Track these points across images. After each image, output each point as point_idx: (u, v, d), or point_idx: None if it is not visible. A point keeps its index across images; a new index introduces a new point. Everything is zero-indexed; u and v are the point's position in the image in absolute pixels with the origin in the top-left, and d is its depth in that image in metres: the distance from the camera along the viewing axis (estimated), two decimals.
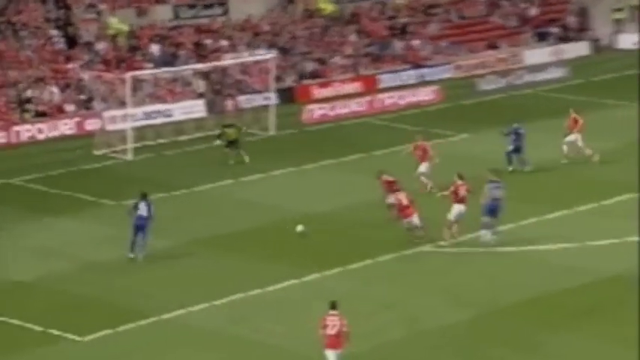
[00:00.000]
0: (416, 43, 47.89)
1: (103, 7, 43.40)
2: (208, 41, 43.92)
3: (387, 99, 41.79)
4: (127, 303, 22.82)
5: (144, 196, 25.43)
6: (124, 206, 26.64)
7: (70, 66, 40.21)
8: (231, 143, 33.47)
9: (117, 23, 42.88)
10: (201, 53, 43.08)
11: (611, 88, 43.44)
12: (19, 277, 24.44)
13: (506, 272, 24.67)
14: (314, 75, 44.30)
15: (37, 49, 40.41)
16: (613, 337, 20.83)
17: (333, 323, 18.70)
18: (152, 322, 21.94)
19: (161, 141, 36.21)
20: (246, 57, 42.07)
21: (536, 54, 49.24)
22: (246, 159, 33.24)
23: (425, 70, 46.04)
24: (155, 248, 25.97)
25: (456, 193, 25.95)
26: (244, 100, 40.86)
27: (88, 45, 41.69)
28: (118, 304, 22.79)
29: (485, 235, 26.07)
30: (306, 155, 34.44)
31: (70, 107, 38.75)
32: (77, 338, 21.15)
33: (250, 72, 42.19)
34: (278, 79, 40.80)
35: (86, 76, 39.53)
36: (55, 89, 38.94)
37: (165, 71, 39.94)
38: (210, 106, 40.40)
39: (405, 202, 25.92)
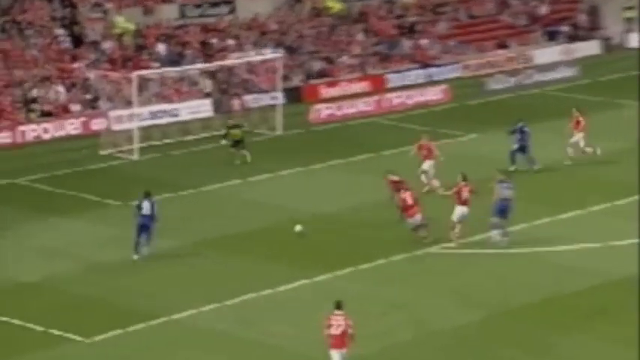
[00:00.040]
0: (424, 42, 47.83)
1: (109, 5, 43.43)
2: (215, 40, 43.92)
3: (395, 98, 41.73)
4: (133, 304, 22.81)
5: (147, 195, 25.42)
6: (130, 206, 26.64)
7: (75, 65, 40.24)
8: (237, 143, 33.44)
9: (123, 22, 42.91)
10: (207, 52, 43.08)
11: (621, 88, 43.30)
12: (24, 277, 24.45)
13: (516, 273, 24.61)
14: (321, 74, 44.26)
15: (42, 48, 40.45)
16: (625, 339, 20.74)
17: (338, 323, 18.70)
18: (158, 323, 21.92)
19: (167, 141, 36.21)
20: (253, 56, 42.04)
21: (546, 53, 49.11)
22: (249, 159, 33.16)
23: (433, 70, 45.97)
24: (161, 248, 25.97)
25: (459, 194, 25.90)
26: (251, 100, 40.84)
27: (94, 44, 41.72)
28: (123, 305, 22.78)
29: (495, 236, 26.01)
30: (313, 155, 34.41)
31: (75, 107, 38.77)
32: (82, 339, 21.14)
33: (257, 71, 42.17)
34: (285, 78, 40.77)
35: (92, 75, 39.55)
36: (60, 89, 38.96)
37: (171, 70, 39.94)
38: (217, 106, 40.40)
39: (409, 201, 25.92)
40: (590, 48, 50.63)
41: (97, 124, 37.53)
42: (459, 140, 36.70)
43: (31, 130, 36.94)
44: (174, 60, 41.83)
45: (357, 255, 25.43)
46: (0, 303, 22.96)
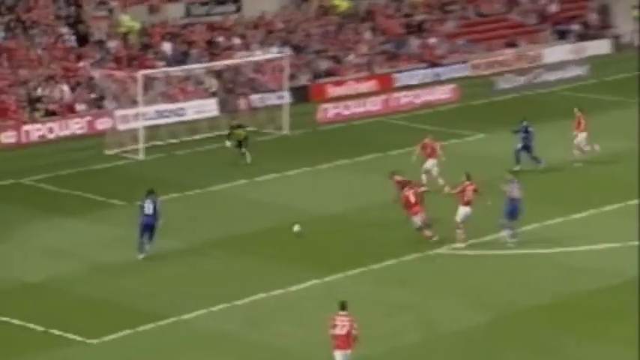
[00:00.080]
0: (432, 41, 47.81)
1: (114, 4, 43.50)
2: (221, 39, 43.95)
3: (403, 98, 41.72)
4: (138, 305, 22.85)
5: (149, 194, 25.49)
6: (135, 207, 26.71)
7: (80, 64, 40.30)
8: (240, 143, 33.38)
9: (128, 21, 42.97)
10: (213, 51, 43.12)
11: (632, 87, 43.23)
12: (29, 277, 24.51)
13: (526, 274, 24.60)
14: (328, 73, 44.27)
15: (47, 47, 40.52)
16: (635, 341, 20.70)
17: (343, 323, 18.73)
18: (163, 324, 21.95)
19: (173, 140, 36.26)
20: (260, 55, 42.07)
21: (556, 52, 49.05)
22: (248, 160, 33.10)
23: (441, 69, 45.95)
24: (167, 249, 26.02)
25: (462, 193, 25.92)
26: (257, 99, 40.86)
27: (99, 43, 41.79)
28: (128, 305, 22.82)
29: (505, 236, 26.01)
30: (320, 155, 34.43)
31: (80, 106, 38.83)
32: (87, 340, 21.18)
33: (263, 70, 42.19)
34: (292, 77, 40.78)
35: (97, 74, 39.61)
36: (65, 88, 39.03)
37: (177, 70, 39.97)
38: (223, 105, 40.43)
39: (412, 199, 25.93)
40: (600, 47, 50.56)
41: (102, 124, 37.59)
42: (468, 140, 36.68)
43: (36, 130, 37.00)
44: (180, 59, 41.88)
45: (363, 256, 25.43)
46: (4, 303, 23.02)
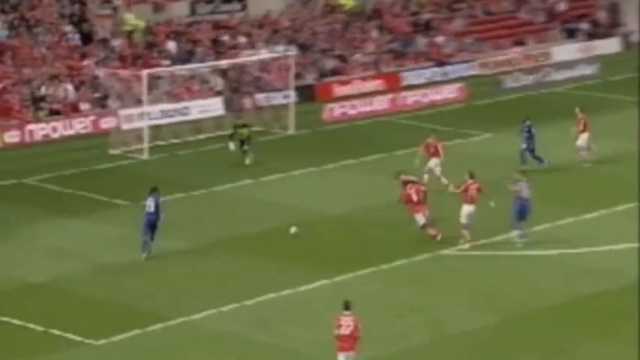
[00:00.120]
0: (440, 39, 47.78)
1: (118, 2, 43.54)
2: (226, 38, 43.98)
3: (410, 97, 41.71)
4: (143, 306, 22.87)
5: (152, 192, 25.56)
6: (140, 207, 26.74)
7: (85, 63, 40.35)
8: (243, 143, 33.34)
9: (133, 19, 43.01)
10: (218, 50, 43.15)
11: None
12: (32, 277, 24.53)
13: (534, 275, 24.57)
14: (335, 72, 44.27)
15: (51, 45, 40.58)
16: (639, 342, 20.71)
17: (347, 324, 18.72)
18: (168, 325, 21.97)
19: (178, 140, 36.30)
20: (265, 54, 42.09)
21: (565, 51, 48.99)
22: (247, 161, 33.00)
23: (449, 68, 45.93)
24: (171, 249, 26.05)
25: (466, 192, 25.94)
26: (263, 98, 40.88)
27: (104, 41, 41.84)
28: (133, 307, 22.84)
29: (515, 236, 26.02)
30: (326, 155, 34.43)
31: (85, 105, 38.88)
32: (91, 342, 21.19)
33: (269, 69, 42.21)
34: (297, 76, 40.79)
35: (101, 73, 39.67)
36: (69, 87, 39.08)
37: (182, 68, 40.02)
38: (228, 105, 40.46)
39: (414, 198, 25.97)
40: (609, 45, 50.47)
41: (107, 123, 37.64)
42: (476, 140, 36.66)
43: (40, 129, 37.04)
44: (185, 58, 41.91)
45: (370, 256, 25.43)
46: (7, 303, 23.03)
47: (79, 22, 42.13)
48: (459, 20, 49.78)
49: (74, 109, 38.52)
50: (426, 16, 49.04)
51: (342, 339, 18.74)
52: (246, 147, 33.25)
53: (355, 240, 26.78)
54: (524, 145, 32.16)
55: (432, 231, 26.05)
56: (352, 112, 40.09)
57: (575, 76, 45.68)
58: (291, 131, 37.55)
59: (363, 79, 43.79)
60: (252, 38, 44.23)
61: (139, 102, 36.60)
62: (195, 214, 28.99)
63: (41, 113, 37.82)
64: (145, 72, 35.97)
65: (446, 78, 44.95)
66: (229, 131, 34.27)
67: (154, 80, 38.07)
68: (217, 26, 44.70)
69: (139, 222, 25.71)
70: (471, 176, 26.19)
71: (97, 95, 39.33)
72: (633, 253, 25.27)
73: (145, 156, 34.74)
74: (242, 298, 23.07)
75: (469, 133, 37.30)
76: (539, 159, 32.13)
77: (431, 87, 42.98)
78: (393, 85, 43.62)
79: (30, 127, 36.93)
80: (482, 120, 38.83)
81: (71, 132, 37.38)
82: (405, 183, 27.10)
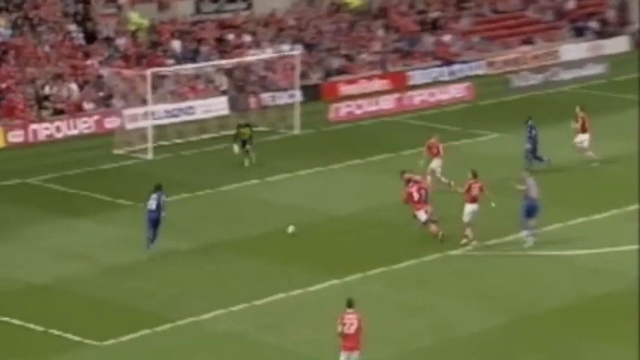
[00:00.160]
0: (447, 38, 47.79)
1: (122, 1, 43.62)
2: (231, 37, 44.04)
3: (417, 97, 41.73)
4: (146, 307, 22.92)
5: (156, 189, 25.70)
6: (144, 207, 26.81)
7: (89, 62, 40.45)
8: (245, 143, 33.32)
9: (137, 18, 43.10)
10: (223, 49, 43.22)
11: None
12: (35, 278, 24.59)
13: (541, 276, 24.57)
14: (340, 72, 44.31)
15: (55, 44, 40.68)
16: None
17: (351, 322, 18.71)
18: (173, 327, 22.01)
19: (182, 140, 36.37)
20: (271, 53, 42.15)
21: (574, 50, 48.97)
22: (246, 162, 32.96)
23: (456, 67, 45.95)
24: (175, 250, 26.10)
25: (469, 191, 26.01)
26: (268, 98, 40.94)
27: (108, 40, 41.93)
28: (137, 308, 22.89)
29: (524, 236, 26.06)
30: (332, 155, 34.46)
31: (88, 105, 38.98)
32: (95, 343, 21.25)
33: (274, 68, 42.27)
34: (303, 75, 40.83)
35: (105, 72, 39.76)
36: (73, 86, 39.17)
37: (186, 68, 40.10)
38: (233, 104, 40.52)
39: (415, 196, 26.11)
40: (618, 44, 50.42)
41: (111, 123, 37.72)
42: (483, 140, 36.66)
43: (44, 129, 37.14)
44: (190, 57, 41.99)
45: (376, 257, 25.46)
46: (9, 304, 23.10)
47: (83, 20, 42.22)
48: (466, 19, 49.78)
49: (78, 109, 38.61)
50: (432, 14, 49.05)
51: (346, 338, 18.74)
52: (247, 147, 33.24)
53: (361, 240, 26.82)
54: (528, 146, 32.18)
55: (433, 228, 26.15)
56: (358, 111, 40.11)
57: (584, 76, 45.65)
58: (297, 131, 37.58)
59: (369, 78, 43.82)
60: (258, 37, 44.29)
61: (143, 101, 36.67)
62: (200, 214, 29.05)
63: (45, 113, 37.91)
64: (149, 71, 36.03)
65: (453, 77, 44.97)
66: (234, 131, 34.32)
67: (158, 79, 38.15)
68: (222, 25, 44.76)
69: (143, 222, 25.77)
70: (474, 175, 26.27)
71: (101, 95, 39.42)
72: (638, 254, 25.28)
73: (150, 156, 34.81)
74: (247, 299, 23.10)
75: (476, 133, 37.30)
76: (539, 159, 32.16)
77: (438, 86, 42.99)
78: (400, 84, 43.64)
79: (33, 126, 37.03)
80: (489, 120, 38.83)
81: (75, 132, 37.47)
82: (408, 181, 27.18)
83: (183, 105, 39.41)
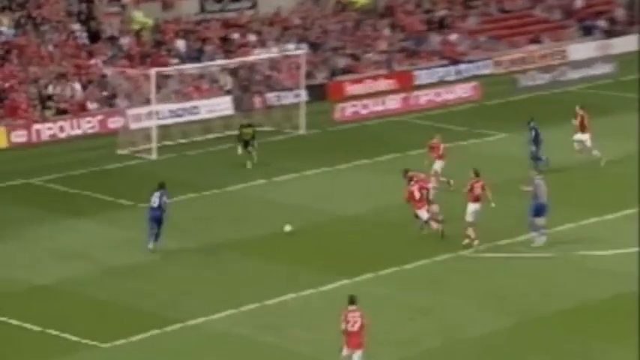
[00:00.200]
0: (453, 37, 47.75)
1: (126, 0, 43.69)
2: (236, 36, 44.05)
3: (423, 96, 41.70)
4: (151, 308, 22.90)
5: (160, 188, 25.77)
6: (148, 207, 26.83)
7: (92, 61, 40.48)
8: (247, 143, 33.28)
9: (141, 17, 43.13)
10: (228, 48, 43.22)
11: None
12: (38, 279, 24.59)
13: (550, 277, 24.51)
14: (346, 71, 44.29)
15: (58, 44, 40.72)
16: None
17: (354, 320, 18.70)
18: (177, 328, 21.97)
19: (187, 140, 36.37)
20: (276, 52, 42.16)
21: (582, 49, 48.89)
22: (249, 164, 32.89)
23: (463, 66, 45.90)
24: (180, 251, 26.10)
25: (471, 191, 26.01)
26: (273, 98, 40.94)
27: (112, 40, 41.96)
28: (140, 309, 22.87)
29: (534, 237, 26.02)
30: (338, 155, 34.44)
31: (92, 105, 39.01)
32: (98, 345, 21.26)
33: (280, 68, 42.27)
34: (308, 75, 40.81)
35: (109, 72, 39.79)
36: (77, 86, 39.20)
37: (191, 67, 40.11)
38: (238, 104, 40.52)
39: (417, 195, 26.14)
40: (627, 43, 50.31)
41: (115, 123, 37.74)
42: (490, 140, 36.62)
43: (47, 129, 37.17)
44: (194, 56, 42.01)
45: (383, 258, 25.42)
46: (12, 305, 23.09)
47: (87, 20, 42.26)
48: (473, 18, 49.73)
49: (82, 109, 38.64)
50: (439, 13, 49.01)
51: (350, 335, 18.76)
52: (249, 148, 33.16)
53: (369, 241, 26.79)
54: (533, 149, 32.15)
55: (434, 225, 26.16)
56: (364, 111, 40.09)
57: (592, 75, 45.58)
58: (302, 131, 37.57)
59: (375, 78, 43.79)
60: (263, 36, 44.29)
61: (147, 101, 36.68)
62: (205, 214, 29.03)
63: (48, 113, 37.94)
64: (153, 71, 36.04)
65: (460, 77, 44.93)
66: (237, 132, 34.30)
67: (162, 79, 38.15)
68: (227, 24, 44.77)
69: (145, 220, 25.80)
70: (476, 174, 26.27)
71: (104, 94, 39.44)
72: None
73: (154, 156, 34.82)
74: (254, 300, 23.06)
75: (483, 133, 37.25)
76: (538, 159, 32.15)
77: (444, 86, 42.95)
78: (406, 84, 43.61)
79: (37, 126, 37.06)
80: (496, 120, 38.77)
81: (78, 132, 37.50)
82: (410, 179, 27.18)
83: (187, 105, 39.42)
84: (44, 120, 37.48)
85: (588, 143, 32.67)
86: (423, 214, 26.36)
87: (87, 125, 37.79)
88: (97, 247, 26.62)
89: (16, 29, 40.57)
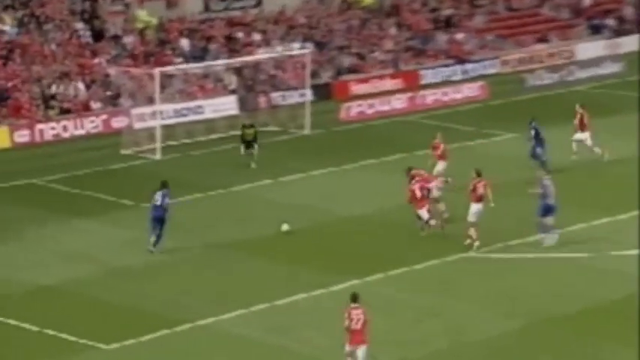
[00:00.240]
0: (460, 36, 47.74)
1: None
2: (241, 35, 44.09)
3: (430, 96, 41.71)
4: (155, 309, 22.92)
5: (162, 186, 25.85)
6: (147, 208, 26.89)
7: (96, 61, 40.53)
8: (249, 143, 33.27)
9: (145, 16, 43.18)
10: (233, 47, 43.26)
11: None
12: (42, 280, 24.60)
13: (560, 278, 24.50)
14: (352, 70, 44.31)
15: (61, 43, 40.77)
16: None
17: (358, 317, 18.87)
18: (181, 330, 21.99)
19: (191, 140, 36.41)
20: (281, 51, 42.19)
21: (590, 48, 48.86)
22: (253, 165, 32.87)
23: (470, 66, 45.90)
24: (185, 251, 26.14)
25: (474, 191, 26.02)
26: (278, 97, 40.97)
27: (115, 39, 42.02)
28: (145, 310, 22.89)
29: (543, 238, 26.02)
30: (343, 155, 34.45)
31: (96, 104, 39.06)
32: (101, 346, 21.26)
33: (285, 67, 42.30)
34: (314, 74, 40.86)
35: (113, 71, 39.84)
36: (80, 85, 39.26)
37: (195, 66, 40.14)
38: (243, 103, 40.56)
39: (418, 194, 26.20)
40: (636, 42, 50.22)
41: (118, 122, 37.79)
42: (498, 140, 36.61)
43: (50, 129, 37.22)
44: (198, 55, 42.04)
45: (390, 258, 25.42)
46: (16, 307, 23.15)
47: (90, 18, 42.32)
48: (480, 16, 49.73)
49: (85, 108, 38.69)
50: (446, 12, 49.01)
51: (354, 333, 18.94)
52: (251, 150, 33.10)
53: (375, 241, 26.80)
54: (538, 150, 32.17)
55: (432, 222, 26.29)
56: (370, 111, 40.11)
57: (601, 74, 45.54)
58: (307, 131, 37.59)
59: (381, 77, 43.81)
60: (267, 35, 44.32)
61: (151, 101, 36.72)
62: (210, 215, 29.06)
63: (51, 112, 38.00)
64: (157, 70, 36.08)
65: (466, 76, 44.93)
66: (239, 132, 34.32)
67: (166, 78, 38.19)
68: (231, 23, 44.81)
69: (147, 219, 25.86)
70: (478, 174, 26.31)
71: (108, 94, 39.49)
72: None
73: (158, 156, 34.86)
74: (258, 302, 23.08)
75: (490, 133, 37.25)
76: (543, 160, 32.15)
77: (451, 85, 42.95)
78: (412, 83, 43.62)
79: (40, 126, 37.11)
80: (503, 119, 38.76)
81: (82, 131, 37.55)
82: (412, 178, 27.21)
83: (191, 104, 39.47)
84: (47, 120, 37.53)
85: (588, 142, 32.69)
86: (424, 214, 26.39)
87: (90, 125, 37.84)
88: (101, 247, 26.64)
89: (19, 28, 40.63)
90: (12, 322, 22.35)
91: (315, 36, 44.94)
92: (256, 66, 41.78)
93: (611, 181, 31.64)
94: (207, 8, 45.18)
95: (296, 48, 42.38)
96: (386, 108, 40.39)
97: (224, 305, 22.91)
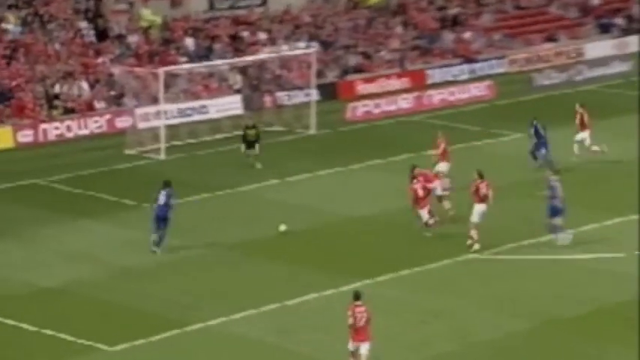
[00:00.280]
0: (467, 35, 47.76)
1: None
2: (246, 34, 44.17)
3: (436, 95, 41.74)
4: (159, 311, 22.99)
5: (165, 186, 25.96)
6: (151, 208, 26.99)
7: (100, 60, 40.64)
8: (251, 144, 33.33)
9: (149, 15, 43.29)
10: (238, 47, 43.34)
11: None
12: (44, 282, 24.70)
13: (566, 280, 24.55)
14: (358, 70, 44.36)
15: (65, 42, 40.90)
16: None
17: (361, 315, 19.05)
18: (185, 331, 22.12)
19: (195, 140, 36.50)
20: (286, 51, 42.26)
21: (599, 47, 48.84)
22: (258, 165, 32.93)
23: (477, 65, 45.92)
24: (189, 252, 26.22)
25: (477, 192, 26.06)
26: (284, 97, 41.04)
27: (119, 38, 42.13)
28: (149, 311, 22.97)
29: (556, 238, 26.05)
30: (349, 155, 34.51)
31: (100, 104, 39.18)
32: (105, 347, 21.35)
33: (290, 66, 42.36)
34: (319, 74, 40.90)
35: (117, 70, 39.94)
36: (84, 85, 39.38)
37: (200, 66, 40.23)
38: (248, 103, 40.64)
39: (420, 193, 26.22)
40: None
41: (122, 122, 37.89)
42: (505, 140, 36.63)
43: (54, 129, 37.32)
44: (203, 55, 42.13)
45: (396, 259, 25.49)
46: (19, 309, 23.23)
47: (94, 17, 42.44)
48: (487, 15, 49.73)
49: (89, 108, 38.80)
50: (452, 10, 49.03)
51: (357, 330, 19.10)
52: (253, 150, 33.12)
53: (382, 242, 26.86)
54: (542, 150, 32.20)
55: (432, 222, 26.36)
56: (376, 111, 40.15)
57: (610, 74, 45.52)
58: (313, 131, 37.65)
59: (388, 76, 43.85)
60: (273, 34, 44.39)
61: (155, 100, 36.81)
62: (214, 215, 29.14)
63: (55, 112, 38.11)
64: (161, 69, 36.19)
65: (473, 75, 44.94)
66: (241, 133, 34.37)
67: (171, 78, 38.29)
68: (236, 22, 44.89)
69: (150, 219, 25.96)
70: (480, 176, 26.36)
71: (112, 93, 39.60)
72: None
73: (162, 156, 34.95)
74: (263, 304, 23.13)
75: (498, 132, 37.27)
76: (536, 157, 32.19)
77: (458, 85, 42.97)
78: (419, 82, 43.66)
79: (44, 126, 37.23)
80: (511, 119, 38.77)
81: (86, 131, 37.65)
82: (413, 178, 27.25)
83: (196, 104, 39.55)
84: (51, 119, 37.64)
85: (588, 141, 32.72)
86: (424, 214, 26.42)
87: (94, 125, 37.95)
88: (105, 248, 26.73)
89: (23, 27, 40.76)
90: (10, 322, 22.43)
91: (320, 35, 45.01)
92: (261, 65, 41.84)
93: (620, 182, 31.62)
94: (212, 7, 45.25)
95: (301, 47, 42.44)
96: (392, 108, 40.43)
97: (230, 306, 22.98)
